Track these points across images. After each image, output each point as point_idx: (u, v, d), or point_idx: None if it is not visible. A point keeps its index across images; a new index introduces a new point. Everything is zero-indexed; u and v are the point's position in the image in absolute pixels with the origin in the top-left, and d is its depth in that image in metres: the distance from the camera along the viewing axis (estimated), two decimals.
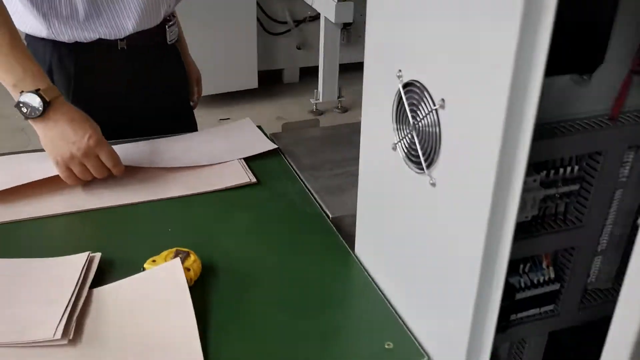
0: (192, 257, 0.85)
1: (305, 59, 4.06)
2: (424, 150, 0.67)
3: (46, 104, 0.99)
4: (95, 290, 0.81)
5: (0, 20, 0.99)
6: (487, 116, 0.55)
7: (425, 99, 0.65)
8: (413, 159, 0.70)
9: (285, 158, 1.22)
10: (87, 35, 1.20)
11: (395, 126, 0.73)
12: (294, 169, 1.18)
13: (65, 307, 0.76)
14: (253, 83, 3.78)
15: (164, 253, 0.86)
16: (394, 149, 0.74)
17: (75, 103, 1.05)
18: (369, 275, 0.88)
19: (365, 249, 0.90)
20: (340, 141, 1.32)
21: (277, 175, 1.16)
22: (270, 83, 4.03)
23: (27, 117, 0.99)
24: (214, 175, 1.13)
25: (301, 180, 1.14)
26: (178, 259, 0.83)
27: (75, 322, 0.75)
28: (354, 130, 1.38)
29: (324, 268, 0.91)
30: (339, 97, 3.69)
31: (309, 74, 4.09)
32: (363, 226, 0.90)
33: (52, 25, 1.18)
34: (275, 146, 1.24)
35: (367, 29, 0.76)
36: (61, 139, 1.00)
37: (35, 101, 0.98)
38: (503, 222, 0.58)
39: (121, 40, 1.24)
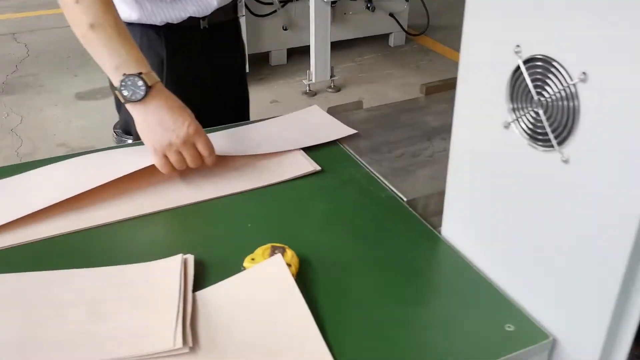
0: (289, 252, 0.83)
1: (292, 40, 4.00)
2: (554, 127, 0.65)
3: (148, 88, 0.96)
4: (198, 294, 0.78)
5: (107, 5, 0.98)
6: None
7: (556, 74, 0.63)
8: (538, 136, 0.68)
9: (340, 143, 1.19)
10: (177, 14, 1.21)
11: (511, 105, 0.71)
12: (352, 154, 1.15)
13: (176, 313, 0.73)
14: None
15: (260, 250, 0.83)
16: (507, 127, 0.72)
17: (168, 88, 1.02)
18: (465, 259, 0.87)
19: (459, 231, 0.89)
20: (388, 122, 1.29)
21: (338, 162, 1.13)
22: (259, 66, 3.96)
23: (127, 100, 0.97)
24: (276, 166, 1.10)
25: (363, 164, 1.12)
26: (280, 256, 0.80)
27: (190, 329, 0.72)
28: (400, 109, 1.37)
29: (416, 252, 0.89)
30: (331, 77, 3.66)
31: (296, 54, 4.04)
32: (456, 208, 0.88)
33: (144, 7, 1.17)
34: (355, 131, 1.21)
35: (467, 6, 0.74)
36: (160, 126, 0.97)
37: (137, 84, 0.96)
38: None
39: (203, 19, 1.24)
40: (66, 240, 0.91)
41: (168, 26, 1.22)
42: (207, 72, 1.33)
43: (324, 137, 1.19)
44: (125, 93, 0.96)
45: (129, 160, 1.04)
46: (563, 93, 0.63)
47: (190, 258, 0.83)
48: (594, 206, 0.63)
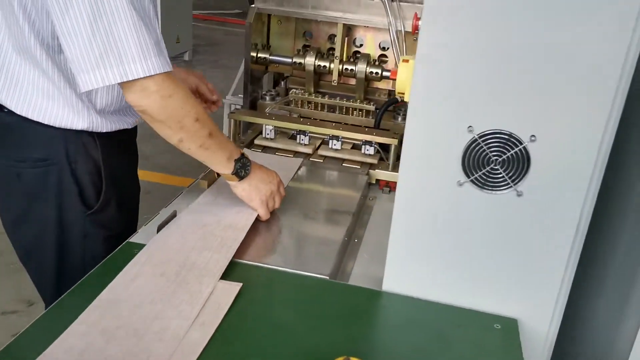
0: None
1: None
2: (510, 175, 0.96)
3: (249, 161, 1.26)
4: None
5: (202, 108, 1.17)
6: (579, 147, 0.91)
7: (510, 140, 0.94)
8: (490, 184, 0.97)
9: None
10: (128, 122, 1.33)
11: (465, 169, 0.98)
12: None
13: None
14: None
15: None
16: (461, 185, 0.99)
17: (107, 190, 1.29)
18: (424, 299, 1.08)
19: (406, 279, 1.08)
20: None
21: None
22: None
23: (242, 177, 1.24)
24: None
25: None
26: None
27: None
28: None
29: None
30: None
31: None
32: (399, 260, 1.07)
33: (93, 118, 1.23)
34: None
35: (413, 100, 0.97)
36: (262, 182, 1.27)
37: (245, 163, 1.25)
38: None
39: None
40: None
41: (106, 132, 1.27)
42: (132, 163, 1.46)
43: None
44: (242, 174, 1.24)
45: (238, 215, 1.27)
46: (518, 152, 0.95)
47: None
48: (542, 220, 0.98)
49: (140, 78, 1.04)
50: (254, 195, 1.26)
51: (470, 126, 0.96)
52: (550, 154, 0.94)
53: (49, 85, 1.16)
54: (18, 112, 1.16)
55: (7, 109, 1.18)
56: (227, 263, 1.09)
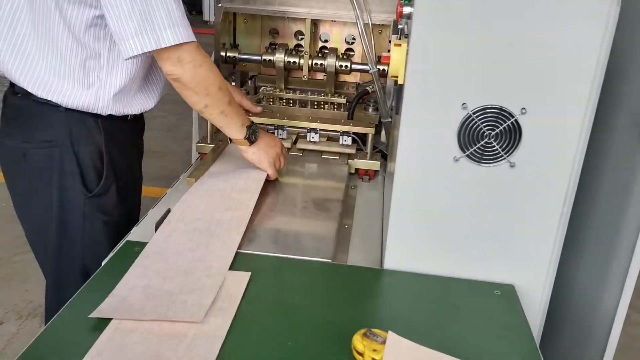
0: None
1: None
2: (502, 146, 1.02)
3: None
4: None
5: (223, 78, 1.31)
6: (564, 119, 0.98)
7: (503, 114, 1.00)
8: (486, 157, 1.03)
9: None
10: (141, 106, 1.40)
11: (460, 145, 1.03)
12: None
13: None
14: None
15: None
16: (457, 160, 1.04)
17: (108, 177, 1.36)
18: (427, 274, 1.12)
19: (406, 256, 1.12)
20: None
21: None
22: None
23: (253, 142, 1.40)
24: None
25: None
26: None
27: None
28: None
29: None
30: None
31: None
32: (400, 236, 1.11)
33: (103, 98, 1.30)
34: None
35: (409, 82, 1.01)
36: (268, 146, 1.44)
37: (255, 130, 1.41)
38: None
39: None
40: None
41: (110, 116, 1.32)
42: (134, 156, 1.52)
43: None
44: (252, 139, 1.40)
45: (249, 181, 1.40)
46: (510, 125, 1.01)
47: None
48: (533, 189, 1.04)
49: (175, 48, 1.16)
50: (262, 157, 1.42)
51: (464, 103, 1.01)
52: (539, 125, 1.01)
53: (61, 63, 1.23)
54: (27, 88, 1.25)
55: (20, 93, 1.27)
56: (248, 218, 1.24)
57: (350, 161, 1.61)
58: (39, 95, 1.24)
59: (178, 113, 4.37)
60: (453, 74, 1.00)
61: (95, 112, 1.28)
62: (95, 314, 0.91)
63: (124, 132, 1.40)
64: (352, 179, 1.59)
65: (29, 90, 1.25)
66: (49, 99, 1.25)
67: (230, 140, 1.48)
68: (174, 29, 1.14)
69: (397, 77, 1.07)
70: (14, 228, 2.89)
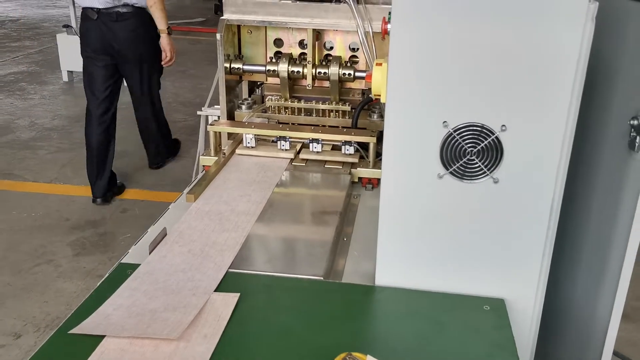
0: None
1: None
2: (485, 163, 1.02)
3: None
4: None
5: None
6: (545, 133, 0.97)
7: (483, 132, 1.00)
8: (469, 174, 1.03)
9: None
10: None
11: (444, 162, 1.03)
12: None
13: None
14: None
15: None
16: (441, 177, 1.04)
17: None
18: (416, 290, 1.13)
19: (397, 273, 1.13)
20: None
21: None
22: None
23: (169, 33, 3.27)
24: None
25: None
26: None
27: None
28: None
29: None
30: None
31: None
32: (390, 254, 1.12)
33: None
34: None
35: (390, 101, 1.01)
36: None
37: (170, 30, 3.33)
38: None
39: None
40: None
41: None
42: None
43: None
44: (170, 31, 3.27)
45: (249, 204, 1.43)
46: (491, 142, 1.00)
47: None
48: (519, 203, 1.03)
49: None
50: (171, 41, 3.23)
51: (445, 121, 1.01)
52: (520, 141, 1.00)
53: None
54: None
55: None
56: (242, 240, 1.27)
57: (353, 170, 1.62)
58: None
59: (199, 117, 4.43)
60: (433, 93, 1.00)
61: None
62: (76, 330, 0.96)
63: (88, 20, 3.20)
64: (355, 188, 1.60)
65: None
66: None
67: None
68: None
69: (379, 96, 1.07)
70: (35, 238, 3.00)
